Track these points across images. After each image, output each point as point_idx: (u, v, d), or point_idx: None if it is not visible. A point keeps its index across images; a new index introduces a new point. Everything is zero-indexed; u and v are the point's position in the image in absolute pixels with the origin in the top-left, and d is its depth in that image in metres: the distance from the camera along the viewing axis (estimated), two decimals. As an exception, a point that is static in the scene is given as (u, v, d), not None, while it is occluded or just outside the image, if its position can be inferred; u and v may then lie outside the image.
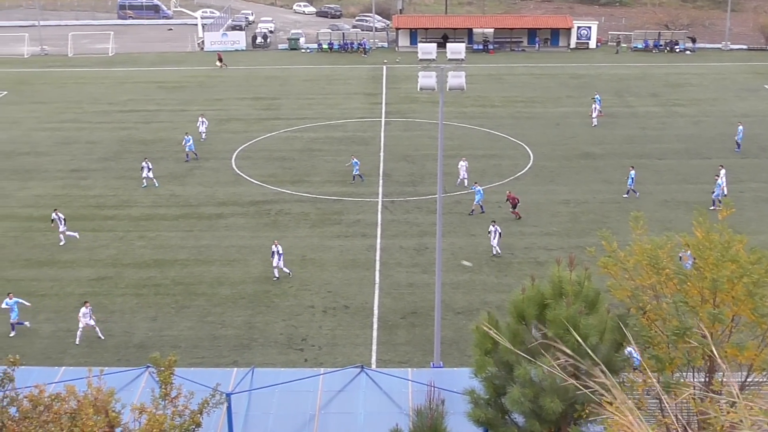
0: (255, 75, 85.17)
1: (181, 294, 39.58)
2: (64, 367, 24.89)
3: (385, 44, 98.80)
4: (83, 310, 35.45)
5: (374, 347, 34.71)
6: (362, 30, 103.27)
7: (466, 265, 41.11)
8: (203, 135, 62.13)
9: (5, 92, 79.65)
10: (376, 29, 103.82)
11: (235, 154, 59.58)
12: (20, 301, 36.36)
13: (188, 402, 17.11)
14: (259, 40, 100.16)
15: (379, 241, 44.83)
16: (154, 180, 53.28)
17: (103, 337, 35.44)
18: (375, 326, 36.37)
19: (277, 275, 40.36)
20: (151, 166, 53.48)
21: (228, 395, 20.27)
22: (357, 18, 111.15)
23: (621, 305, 17.04)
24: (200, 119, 63.00)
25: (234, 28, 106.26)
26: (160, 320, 37.19)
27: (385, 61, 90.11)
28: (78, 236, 45.39)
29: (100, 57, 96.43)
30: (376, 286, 39.96)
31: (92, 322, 35.40)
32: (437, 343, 31.86)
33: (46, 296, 39.58)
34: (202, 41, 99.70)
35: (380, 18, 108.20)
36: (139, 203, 50.82)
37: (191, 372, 21.10)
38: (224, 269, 41.61)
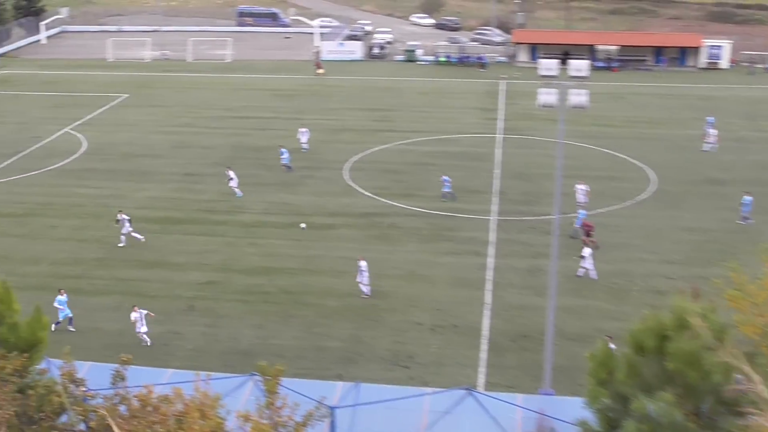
0: (370, 86, 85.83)
1: (288, 303, 40.03)
2: (171, 370, 25.50)
3: (504, 59, 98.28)
4: (134, 315, 36.04)
5: (482, 369, 34.38)
6: (481, 43, 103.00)
7: (302, 227, 43.10)
8: (304, 146, 62.81)
9: (126, 95, 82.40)
10: (495, 43, 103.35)
11: (347, 164, 60.07)
12: (63, 307, 37.05)
13: (292, 413, 17.22)
14: (375, 50, 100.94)
15: (491, 260, 44.44)
16: (236, 190, 53.92)
17: (149, 343, 35.84)
18: (483, 348, 36.02)
19: (367, 293, 40.37)
20: (232, 176, 54.12)
21: (333, 409, 20.34)
22: (476, 31, 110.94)
23: (749, 343, 16.40)
24: (301, 130, 63.71)
25: (351, 38, 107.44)
26: (267, 328, 37.68)
27: (503, 76, 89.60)
28: (143, 239, 46.43)
29: (217, 63, 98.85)
30: (487, 306, 39.60)
31: (143, 329, 35.92)
32: (548, 368, 31.34)
33: (155, 298, 40.60)
34: (319, 50, 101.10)
35: (500, 32, 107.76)
36: (250, 209, 51.74)
37: (296, 383, 21.25)
38: (332, 280, 41.92)
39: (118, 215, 46.74)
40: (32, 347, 19.36)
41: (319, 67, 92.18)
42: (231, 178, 54.38)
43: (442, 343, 36.32)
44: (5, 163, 61.24)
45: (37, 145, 65.57)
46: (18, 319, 19.79)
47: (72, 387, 17.23)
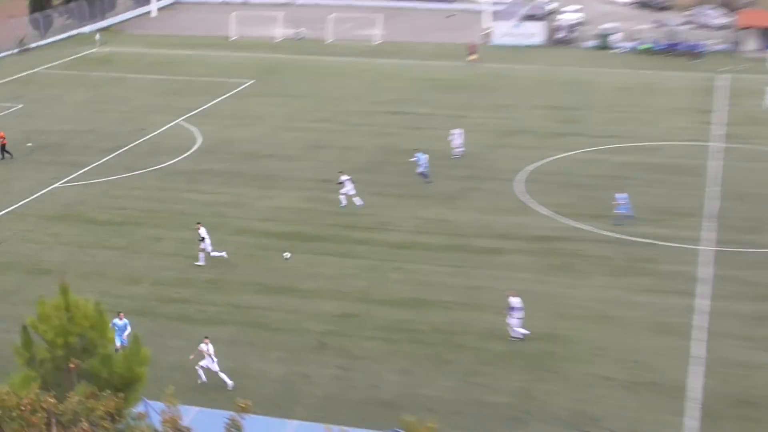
0: (552, 78, 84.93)
1: (442, 344, 39.61)
2: (296, 421, 25.42)
3: (725, 47, 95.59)
4: (203, 346, 36.31)
5: (690, 442, 33.03)
6: (695, 27, 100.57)
7: (285, 257, 44.21)
8: (457, 150, 62.39)
9: (251, 81, 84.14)
10: (714, 27, 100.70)
11: (520, 175, 59.37)
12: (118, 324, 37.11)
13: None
14: (560, 34, 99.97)
15: (702, 301, 42.94)
16: (354, 199, 54.16)
17: (204, 379, 36.10)
18: (692, 414, 34.69)
19: (516, 335, 39.70)
20: (344, 180, 54.36)
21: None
22: (689, 12, 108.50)
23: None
24: (453, 132, 63.21)
25: (530, 17, 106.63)
26: (415, 375, 37.33)
27: (724, 68, 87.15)
28: (225, 255, 47.21)
29: (363, 45, 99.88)
30: (696, 360, 38.19)
31: (213, 366, 36.14)
32: (779, 447, 29.76)
33: (280, 331, 40.85)
34: (490, 32, 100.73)
35: (720, 12, 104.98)
36: (399, 227, 51.66)
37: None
38: (499, 319, 41.24)
39: (198, 228, 47.34)
40: (128, 385, 19.52)
41: (472, 51, 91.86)
42: (341, 182, 54.54)
43: (637, 405, 35.27)
44: (104, 159, 63.26)
45: (142, 139, 67.55)
46: (112, 350, 20.03)
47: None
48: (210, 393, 35.60)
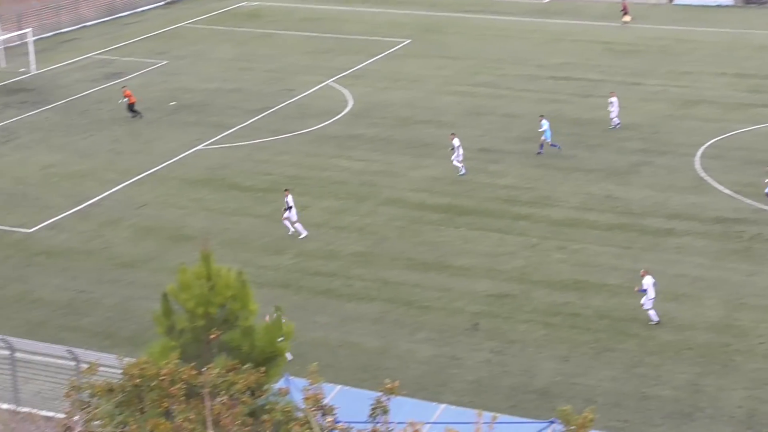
0: (742, 42, 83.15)
1: (605, 331, 39.61)
2: (444, 405, 25.91)
3: None
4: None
5: None
6: None
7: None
8: (614, 120, 61.78)
9: (408, 40, 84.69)
10: None
11: (701, 150, 58.56)
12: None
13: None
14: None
15: None
16: (461, 166, 55.06)
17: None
18: None
19: (654, 318, 39.61)
20: (456, 145, 55.07)
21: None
22: None
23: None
24: (611, 99, 62.44)
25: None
26: (574, 362, 37.47)
27: None
28: (305, 234, 47.95)
29: (531, 3, 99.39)
30: None
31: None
32: None
33: (430, 309, 41.45)
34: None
35: None
36: (563, 202, 51.64)
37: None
38: (668, 306, 41.02)
39: (287, 195, 48.32)
40: (269, 360, 20.13)
41: (625, 12, 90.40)
42: (453, 148, 55.30)
43: (821, 409, 34.61)
44: (249, 121, 64.75)
45: (290, 101, 68.85)
46: (254, 322, 20.66)
47: (318, 415, 17.76)
48: (355, 372, 36.48)
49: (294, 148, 59.98)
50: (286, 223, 48.22)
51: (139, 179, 55.34)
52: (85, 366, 28.41)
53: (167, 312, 20.85)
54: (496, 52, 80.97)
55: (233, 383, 18.01)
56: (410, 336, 39.45)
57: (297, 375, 23.06)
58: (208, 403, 17.32)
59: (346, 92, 70.72)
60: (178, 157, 58.49)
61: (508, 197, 52.49)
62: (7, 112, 66.83)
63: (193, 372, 18.36)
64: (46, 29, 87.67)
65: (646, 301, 39.95)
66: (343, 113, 66.17)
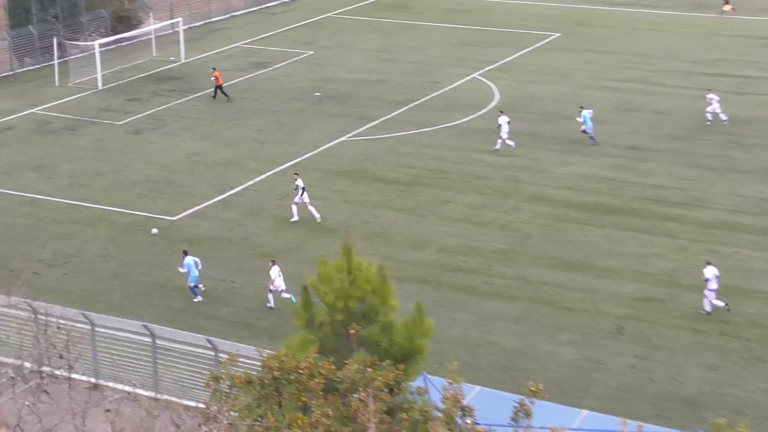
0: None
1: (757, 340, 38.67)
2: (586, 411, 25.51)
3: None
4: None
5: None
6: None
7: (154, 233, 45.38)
8: (722, 117, 60.79)
9: (557, 34, 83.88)
10: None
11: None
12: (197, 260, 42.26)
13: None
14: None
15: None
16: (508, 141, 57.42)
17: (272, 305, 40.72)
18: None
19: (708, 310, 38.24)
20: (503, 123, 56.68)
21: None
22: None
23: None
24: (710, 96, 61.01)
25: None
26: (723, 371, 36.64)
27: None
28: (319, 218, 48.72)
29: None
30: None
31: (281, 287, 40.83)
32: None
33: (573, 311, 40.96)
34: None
35: None
36: (715, 204, 50.57)
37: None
38: (825, 316, 39.88)
39: (297, 179, 49.36)
40: (409, 357, 20.09)
41: (726, 1, 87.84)
42: (500, 125, 57.48)
43: None
44: (394, 113, 64.83)
45: (434, 93, 68.76)
46: (393, 318, 20.61)
47: (457, 416, 17.62)
48: (493, 373, 36.27)
49: (438, 141, 59.87)
50: (294, 207, 49.11)
51: (281, 169, 55.83)
52: (223, 356, 28.79)
53: (307, 305, 20.94)
54: (647, 46, 79.69)
55: (372, 379, 17.96)
56: (552, 338, 39.04)
57: (435, 374, 22.92)
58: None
59: (492, 86, 70.36)
60: (321, 148, 58.86)
61: (656, 197, 51.59)
62: (157, 100, 68.12)
63: (332, 367, 18.38)
64: (196, 18, 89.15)
65: (707, 292, 40.06)
66: (488, 107, 65.82)
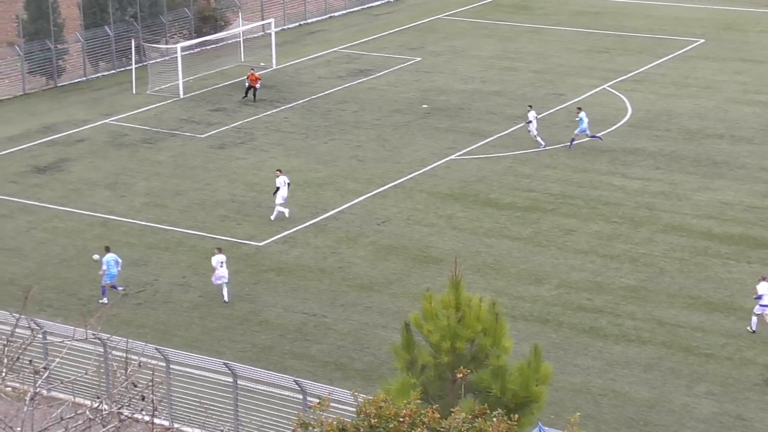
0: None
1: None
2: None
3: None
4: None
5: None
6: None
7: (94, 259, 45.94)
8: None
9: (701, 40, 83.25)
10: None
11: None
12: (118, 259, 45.31)
13: None
14: None
15: None
16: (537, 137, 60.74)
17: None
18: None
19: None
20: (531, 119, 58.88)
21: None
22: None
23: None
24: None
25: None
26: None
27: None
28: (287, 214, 51.57)
29: None
30: None
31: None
32: None
33: (713, 358, 40.62)
34: None
35: None
36: None
37: None
38: None
39: (278, 176, 52.98)
40: (523, 406, 20.11)
41: None
42: (530, 122, 60.82)
43: None
44: (511, 129, 64.81)
45: (558, 107, 68.66)
46: (506, 361, 20.63)
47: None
48: (619, 427, 36.15)
49: (561, 161, 59.77)
50: (280, 208, 52.47)
51: (382, 191, 56.17)
52: (312, 400, 29.09)
53: (409, 344, 21.05)
54: (806, 56, 78.90)
55: (481, 430, 18.05)
56: (688, 388, 38.72)
57: (553, 425, 22.97)
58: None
59: (624, 99, 70.05)
60: (427, 168, 59.08)
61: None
62: (244, 111, 68.86)
63: (436, 415, 18.48)
64: (290, 19, 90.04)
65: (758, 308, 41.67)
66: (620, 123, 65.55)
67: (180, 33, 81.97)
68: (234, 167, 59.76)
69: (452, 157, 60.68)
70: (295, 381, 34.57)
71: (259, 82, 70.07)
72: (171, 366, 36.19)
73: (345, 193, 56.01)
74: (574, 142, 61.30)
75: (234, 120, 67.15)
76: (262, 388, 35.52)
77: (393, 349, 21.32)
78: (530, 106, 61.84)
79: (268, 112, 68.47)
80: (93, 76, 77.01)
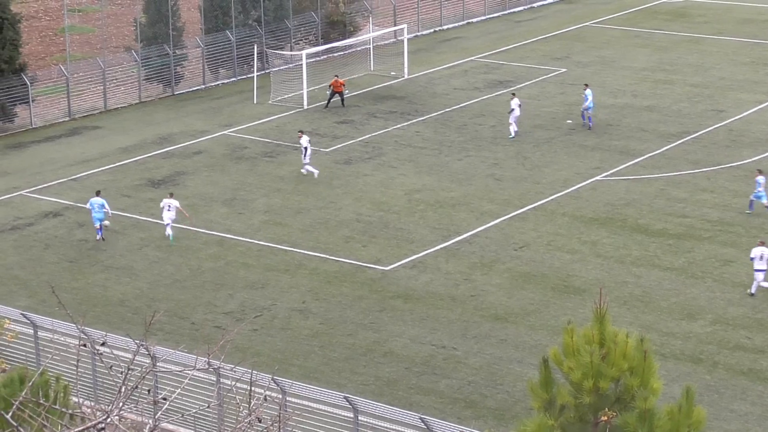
0: None
1: None
2: None
3: None
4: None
5: None
6: None
7: None
8: None
9: None
10: None
11: None
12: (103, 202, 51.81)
13: None
14: None
15: None
16: (513, 129, 63.57)
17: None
18: None
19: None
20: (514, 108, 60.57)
21: None
22: None
23: None
24: None
25: None
26: None
27: None
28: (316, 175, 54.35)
29: None
30: None
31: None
32: None
33: None
34: None
35: None
36: None
37: None
38: None
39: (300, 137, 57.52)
40: (672, 452, 19.72)
41: None
42: (512, 110, 64.86)
43: None
44: (664, 148, 64.16)
45: (718, 124, 67.78)
46: (655, 404, 20.29)
47: None
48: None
49: (720, 184, 58.92)
50: (309, 168, 56.85)
51: (521, 213, 55.85)
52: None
53: (547, 382, 20.78)
54: None
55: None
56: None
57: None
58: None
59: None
60: (571, 189, 58.66)
61: None
62: (373, 123, 69.01)
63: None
64: (424, 26, 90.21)
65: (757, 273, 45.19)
66: (787, 144, 64.54)
67: (306, 39, 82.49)
68: (360, 184, 59.84)
69: (598, 177, 60.18)
70: (421, 419, 34.39)
71: (344, 87, 70.73)
72: (287, 398, 36.21)
73: (480, 214, 55.77)
74: (591, 122, 66.25)
75: (361, 133, 67.28)
76: (386, 425, 35.40)
77: (529, 387, 21.05)
78: (513, 94, 66.17)
79: (399, 126, 68.52)
80: (212, 84, 77.79)
